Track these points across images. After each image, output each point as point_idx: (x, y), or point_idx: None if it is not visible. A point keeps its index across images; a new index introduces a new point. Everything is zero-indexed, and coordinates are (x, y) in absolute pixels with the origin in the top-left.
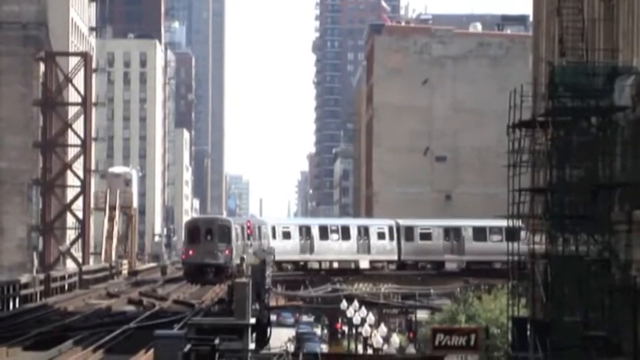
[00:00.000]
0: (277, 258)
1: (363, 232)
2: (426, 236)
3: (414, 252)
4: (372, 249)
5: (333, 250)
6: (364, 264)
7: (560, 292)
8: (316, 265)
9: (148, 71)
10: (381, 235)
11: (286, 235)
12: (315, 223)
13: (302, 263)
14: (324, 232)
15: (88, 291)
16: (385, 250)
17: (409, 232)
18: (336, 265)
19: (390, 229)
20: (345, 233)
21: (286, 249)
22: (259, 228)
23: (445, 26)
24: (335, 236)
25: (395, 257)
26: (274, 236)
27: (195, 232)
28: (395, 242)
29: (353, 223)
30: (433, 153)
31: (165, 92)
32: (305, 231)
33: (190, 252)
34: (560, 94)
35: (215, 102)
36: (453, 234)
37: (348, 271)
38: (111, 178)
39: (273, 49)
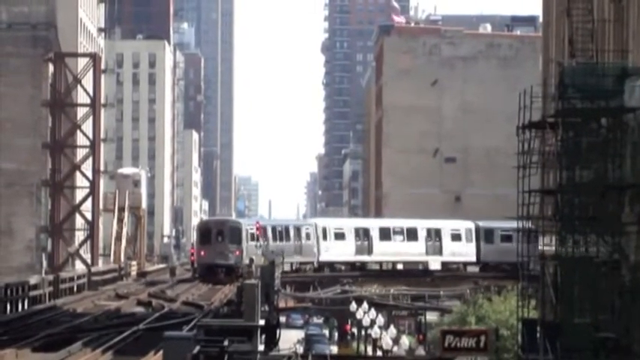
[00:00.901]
0: (329, 259)
1: (434, 233)
2: (506, 238)
3: (493, 254)
4: (444, 250)
5: (396, 252)
6: (435, 265)
7: (571, 293)
8: (376, 267)
9: (157, 72)
10: (455, 237)
11: (339, 236)
12: (374, 225)
13: (358, 264)
14: (384, 234)
15: (97, 292)
16: (461, 252)
17: (489, 234)
18: (400, 266)
19: (468, 231)
20: (411, 235)
21: (340, 250)
22: (298, 229)
23: (455, 27)
24: (399, 237)
25: (473, 259)
26: (325, 237)
27: (207, 233)
28: (473, 244)
29: (421, 225)
30: (442, 154)
31: (174, 93)
32: (362, 232)
33: (202, 253)
34: (569, 95)
35: (224, 103)
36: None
37: (415, 273)
38: (120, 179)
39: (282, 49)
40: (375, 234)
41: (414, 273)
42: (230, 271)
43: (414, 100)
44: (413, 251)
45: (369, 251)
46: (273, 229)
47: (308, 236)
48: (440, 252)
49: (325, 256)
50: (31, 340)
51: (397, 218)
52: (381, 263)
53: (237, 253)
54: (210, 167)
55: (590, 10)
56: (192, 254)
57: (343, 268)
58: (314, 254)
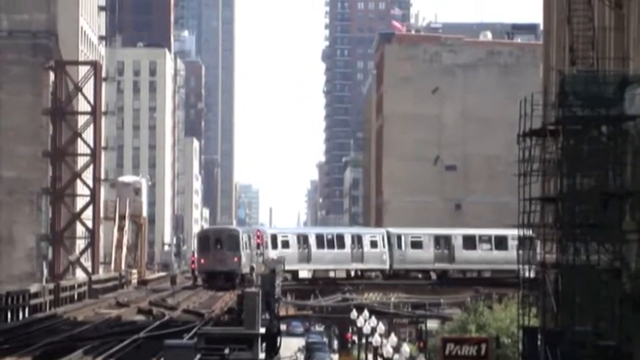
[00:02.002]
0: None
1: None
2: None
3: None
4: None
5: (482, 259)
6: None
7: (571, 301)
8: (459, 275)
9: (158, 80)
10: None
11: (416, 245)
12: (457, 234)
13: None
14: (468, 242)
15: (97, 300)
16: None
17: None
18: (488, 274)
19: None
20: (501, 243)
21: (417, 257)
22: (357, 237)
23: (455, 35)
24: (486, 246)
25: None
26: (399, 246)
27: (206, 241)
28: None
29: (511, 234)
30: (443, 162)
31: (175, 101)
32: (444, 241)
33: (202, 260)
34: (570, 102)
35: (225, 111)
36: None
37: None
38: (120, 187)
39: (282, 57)
40: (457, 243)
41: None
42: (229, 276)
43: (415, 107)
44: (501, 259)
45: (451, 259)
46: (319, 237)
47: (374, 244)
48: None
49: (399, 264)
50: (32, 348)
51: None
52: (465, 271)
53: (235, 259)
54: (211, 175)
55: (590, 18)
56: (193, 262)
57: (420, 275)
58: (383, 261)
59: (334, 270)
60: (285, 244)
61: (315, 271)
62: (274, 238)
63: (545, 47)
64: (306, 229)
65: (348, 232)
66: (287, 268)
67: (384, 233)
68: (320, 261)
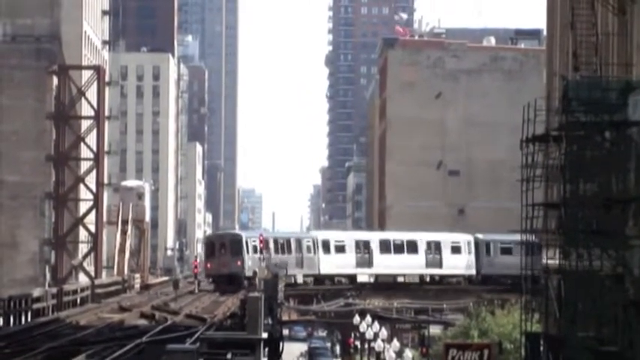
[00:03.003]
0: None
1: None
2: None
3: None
4: None
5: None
6: None
7: (574, 307)
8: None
9: (161, 84)
10: None
11: (455, 250)
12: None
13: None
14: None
15: (100, 305)
16: None
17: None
18: None
19: None
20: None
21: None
22: (434, 243)
23: (458, 40)
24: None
25: None
26: (488, 252)
27: (211, 247)
28: None
29: None
30: (446, 167)
31: (178, 106)
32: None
33: (208, 265)
34: (573, 108)
35: (228, 115)
36: None
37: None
38: (123, 191)
39: (286, 62)
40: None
41: None
42: (233, 279)
43: (418, 112)
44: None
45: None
46: (384, 242)
47: (456, 249)
48: None
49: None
50: (34, 352)
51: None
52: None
53: (239, 263)
54: (214, 180)
55: (594, 24)
56: (196, 267)
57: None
58: (469, 267)
59: (403, 275)
60: (341, 249)
61: (377, 275)
62: (326, 243)
63: (549, 53)
64: (365, 233)
65: (421, 238)
66: (344, 272)
67: (471, 239)
68: (384, 266)
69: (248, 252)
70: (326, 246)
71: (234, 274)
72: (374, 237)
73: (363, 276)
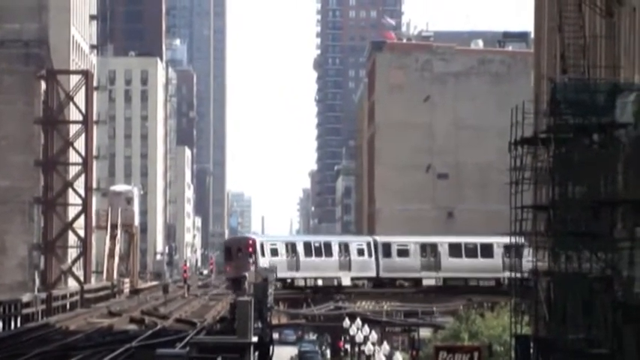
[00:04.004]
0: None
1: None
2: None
3: None
4: None
5: None
6: None
7: (563, 309)
8: None
9: (150, 89)
10: None
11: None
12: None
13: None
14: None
15: (89, 310)
16: None
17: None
18: None
19: None
20: None
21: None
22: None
23: (446, 43)
24: None
25: None
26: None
27: (228, 251)
28: None
29: None
30: (435, 170)
31: (167, 110)
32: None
33: (227, 268)
34: (561, 110)
35: (217, 119)
36: None
37: None
38: (112, 196)
39: (274, 66)
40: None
41: None
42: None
43: (407, 116)
44: None
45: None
46: (454, 245)
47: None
48: None
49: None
50: (24, 358)
51: None
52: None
53: (247, 266)
54: (203, 184)
55: (581, 26)
56: (185, 271)
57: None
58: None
59: (477, 279)
60: (404, 253)
61: (445, 279)
62: (387, 246)
63: (537, 55)
64: (436, 238)
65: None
66: (408, 275)
67: (370, 241)
68: (452, 269)
69: (264, 255)
70: (387, 249)
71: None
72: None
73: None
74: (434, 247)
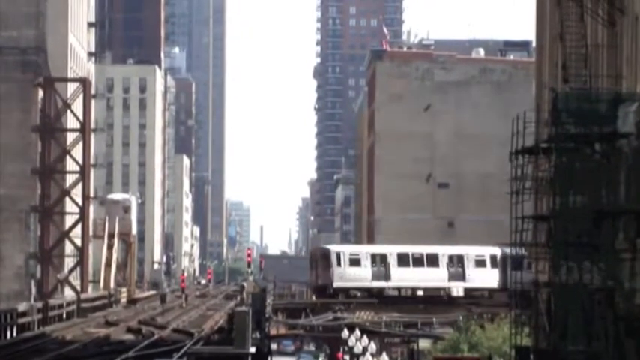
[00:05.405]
0: None
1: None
2: None
3: None
4: None
5: None
6: None
7: (564, 320)
8: None
9: (148, 97)
10: None
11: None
12: None
13: None
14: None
15: (86, 319)
16: None
17: None
18: None
19: None
20: None
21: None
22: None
23: (447, 52)
24: None
25: None
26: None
27: (313, 260)
28: None
29: None
30: (435, 179)
31: (165, 118)
32: None
33: (313, 277)
34: (563, 120)
35: (215, 128)
36: None
37: None
38: (110, 204)
39: (274, 74)
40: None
41: None
42: (324, 289)
43: (407, 125)
44: None
45: None
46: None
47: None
48: None
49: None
50: None
51: None
52: None
53: (328, 274)
54: (202, 193)
55: (583, 36)
56: (183, 280)
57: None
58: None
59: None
60: (482, 263)
61: None
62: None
63: (538, 64)
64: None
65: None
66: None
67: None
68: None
69: (340, 264)
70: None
71: (324, 284)
72: None
73: None
74: None
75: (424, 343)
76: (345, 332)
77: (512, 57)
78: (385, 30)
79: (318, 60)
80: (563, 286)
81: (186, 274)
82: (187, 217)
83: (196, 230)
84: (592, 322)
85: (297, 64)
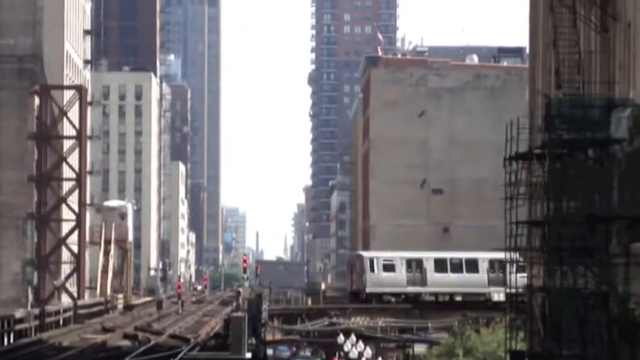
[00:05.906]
0: None
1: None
2: None
3: None
4: None
5: None
6: None
7: (558, 325)
8: None
9: (144, 104)
10: None
11: None
12: None
13: None
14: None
15: (83, 326)
16: None
17: None
18: None
19: None
20: None
21: None
22: None
23: (441, 58)
24: None
25: None
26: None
27: (349, 266)
28: None
29: None
30: (430, 185)
31: (161, 125)
32: None
33: (349, 282)
34: (556, 126)
35: (211, 134)
36: None
37: None
38: (106, 211)
39: (268, 81)
40: None
41: None
42: (357, 294)
43: (401, 131)
44: None
45: None
46: None
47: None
48: None
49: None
50: None
51: None
52: None
53: (361, 280)
54: (197, 199)
55: (576, 42)
56: (179, 287)
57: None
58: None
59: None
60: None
61: None
62: None
63: (531, 71)
64: None
65: None
66: None
67: None
68: None
69: (373, 270)
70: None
71: (358, 290)
72: None
73: None
74: None
75: (419, 348)
76: (341, 337)
77: (505, 63)
78: (380, 37)
79: (313, 67)
80: (558, 291)
81: (182, 280)
82: (183, 223)
83: (192, 236)
84: (586, 327)
85: (291, 70)
